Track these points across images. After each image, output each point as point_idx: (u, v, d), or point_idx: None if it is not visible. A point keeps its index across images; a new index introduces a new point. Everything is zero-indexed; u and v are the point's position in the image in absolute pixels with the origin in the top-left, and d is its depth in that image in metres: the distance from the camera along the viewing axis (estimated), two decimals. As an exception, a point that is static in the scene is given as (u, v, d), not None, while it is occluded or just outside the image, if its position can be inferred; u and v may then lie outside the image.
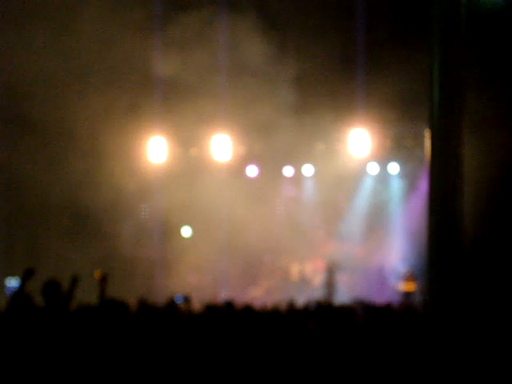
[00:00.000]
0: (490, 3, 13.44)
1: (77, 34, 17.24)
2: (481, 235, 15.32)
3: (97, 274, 7.68)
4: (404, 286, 21.96)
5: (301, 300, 20.60)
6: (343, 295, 22.46)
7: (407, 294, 21.52)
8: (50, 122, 18.19)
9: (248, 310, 10.00)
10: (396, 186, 24.83)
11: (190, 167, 22.51)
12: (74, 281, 7.57)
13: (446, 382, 6.65)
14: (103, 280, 7.65)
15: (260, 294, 24.23)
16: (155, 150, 21.97)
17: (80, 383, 6.63)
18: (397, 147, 22.75)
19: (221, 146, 21.80)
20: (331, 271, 24.14)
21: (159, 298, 13.79)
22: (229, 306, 9.08)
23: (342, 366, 6.69)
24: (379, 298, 17.44)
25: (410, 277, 21.93)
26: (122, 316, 7.50)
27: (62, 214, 19.41)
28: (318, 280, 24.82)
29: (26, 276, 7.45)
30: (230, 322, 8.28)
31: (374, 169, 24.20)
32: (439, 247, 8.45)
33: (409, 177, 23.73)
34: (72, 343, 6.92)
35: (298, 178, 25.78)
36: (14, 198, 20.54)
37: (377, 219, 24.71)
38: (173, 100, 16.33)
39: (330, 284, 23.88)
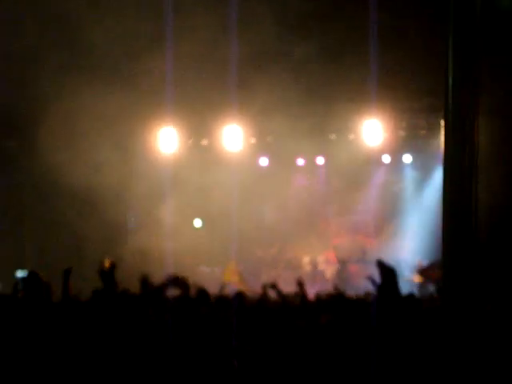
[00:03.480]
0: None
1: (88, 29, 17.18)
2: (496, 225, 15.16)
3: (107, 262, 7.73)
4: (418, 278, 21.76)
5: (312, 291, 20.60)
6: (356, 287, 22.30)
7: (422, 286, 21.33)
8: (59, 114, 18.16)
9: (260, 302, 9.89)
10: (410, 177, 24.62)
11: (200, 157, 22.43)
12: (66, 273, 7.65)
13: (461, 373, 6.56)
14: (112, 268, 7.68)
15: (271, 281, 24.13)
16: (166, 140, 21.87)
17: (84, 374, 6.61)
18: (410, 138, 22.52)
19: (232, 136, 21.66)
20: (344, 263, 23.99)
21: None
22: (239, 297, 8.99)
23: (355, 359, 6.56)
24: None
25: (424, 269, 21.73)
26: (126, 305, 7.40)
27: (72, 203, 19.35)
28: (331, 271, 24.68)
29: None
30: (241, 313, 8.18)
31: (387, 160, 24.01)
32: (454, 237, 8.31)
33: (423, 167, 23.50)
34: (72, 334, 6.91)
35: (310, 168, 25.64)
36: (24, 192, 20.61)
37: (390, 210, 24.53)
38: (183, 91, 16.21)
39: (342, 276, 23.74)
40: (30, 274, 7.62)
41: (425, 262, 21.51)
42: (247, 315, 8.27)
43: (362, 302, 9.57)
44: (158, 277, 8.26)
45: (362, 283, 23.01)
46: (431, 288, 20.90)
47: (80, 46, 17.99)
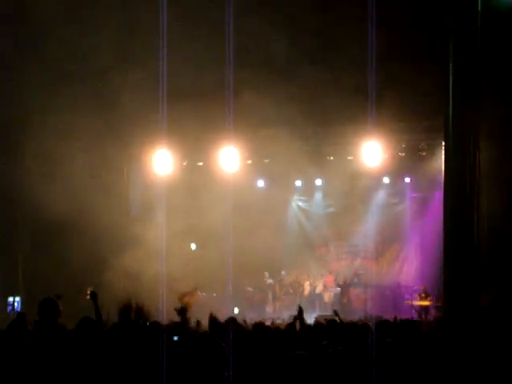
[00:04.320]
0: (506, 3, 13.08)
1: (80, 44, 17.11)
2: (497, 245, 14.96)
3: (87, 291, 7.62)
4: (419, 302, 21.46)
5: (312, 316, 20.35)
6: (356, 312, 22.02)
7: (422, 310, 21.03)
8: (50, 135, 18.01)
9: (259, 328, 9.68)
10: (410, 199, 24.36)
11: (196, 179, 22.25)
12: (93, 295, 7.60)
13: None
14: (93, 297, 7.60)
15: (271, 310, 23.85)
16: (161, 162, 21.70)
17: None
18: (410, 159, 22.27)
19: (228, 157, 21.48)
20: (344, 287, 23.71)
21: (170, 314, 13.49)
22: (233, 321, 8.80)
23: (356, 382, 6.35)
24: (394, 314, 17.00)
25: (424, 293, 21.43)
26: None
27: (63, 230, 19.18)
28: (328, 295, 24.41)
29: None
30: (239, 339, 7.96)
31: (387, 181, 23.80)
32: (456, 257, 8.11)
33: (423, 189, 23.21)
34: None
35: (308, 190, 25.47)
36: (14, 215, 20.42)
37: (390, 233, 24.27)
38: (178, 113, 16.07)
39: (343, 300, 23.45)
40: (47, 300, 7.40)
41: (429, 288, 21.15)
42: (243, 341, 8.10)
43: (360, 326, 9.39)
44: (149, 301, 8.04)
45: (362, 307, 22.84)
46: (431, 312, 20.65)
47: (71, 67, 17.92)
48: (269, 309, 24.29)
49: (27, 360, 6.09)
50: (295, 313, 9.80)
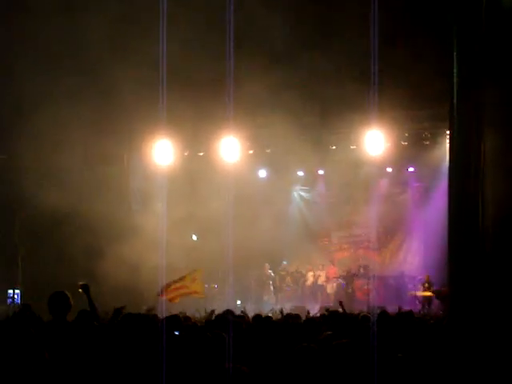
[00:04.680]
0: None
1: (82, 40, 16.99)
2: (502, 232, 14.81)
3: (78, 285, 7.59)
4: (423, 292, 21.31)
5: (315, 307, 20.23)
6: (360, 302, 21.90)
7: (426, 301, 20.90)
8: (51, 130, 17.90)
9: (260, 319, 9.61)
10: (413, 188, 24.17)
11: (197, 169, 22.12)
12: (85, 288, 7.59)
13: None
14: (85, 290, 7.59)
15: (273, 301, 23.74)
16: (162, 152, 21.54)
17: None
18: (414, 148, 22.06)
19: (229, 147, 21.31)
20: (349, 278, 23.54)
21: (169, 306, 13.40)
22: (229, 313, 8.74)
23: (357, 375, 6.24)
24: (397, 304, 16.86)
25: (428, 282, 21.28)
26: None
27: (65, 224, 19.09)
28: (331, 286, 24.26)
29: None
30: (243, 330, 7.91)
31: (389, 171, 23.62)
32: (460, 245, 7.98)
33: (427, 178, 23.00)
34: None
35: (310, 180, 25.32)
36: (13, 207, 20.33)
37: (393, 223, 24.11)
38: (179, 103, 15.93)
39: (347, 291, 23.31)
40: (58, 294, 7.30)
41: (433, 277, 20.97)
42: (246, 331, 8.06)
43: (362, 318, 9.30)
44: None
45: (365, 298, 22.68)
46: (435, 302, 20.52)
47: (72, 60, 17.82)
48: (270, 300, 24.18)
49: (28, 351, 5.97)
50: (297, 304, 9.75)
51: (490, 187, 10.20)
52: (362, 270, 23.65)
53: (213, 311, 10.62)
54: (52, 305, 7.15)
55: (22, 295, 20.05)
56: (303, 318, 10.44)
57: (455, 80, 9.22)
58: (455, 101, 9.14)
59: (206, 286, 20.87)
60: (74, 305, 7.32)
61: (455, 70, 9.24)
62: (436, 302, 20.46)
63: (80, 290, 7.54)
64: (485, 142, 9.51)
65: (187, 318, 9.53)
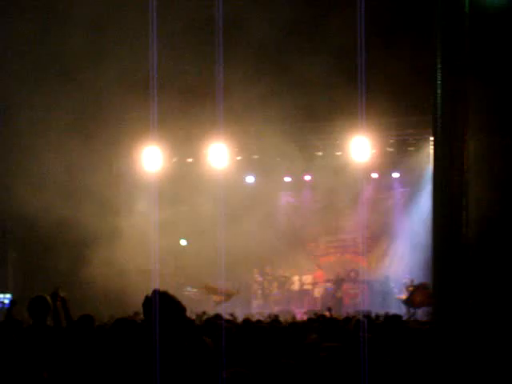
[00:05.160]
0: (494, 4, 13.13)
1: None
2: (485, 237, 15.04)
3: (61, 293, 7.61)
4: (407, 297, 21.47)
5: (301, 310, 20.40)
6: (346, 307, 22.09)
7: (410, 304, 21.05)
8: (38, 135, 17.97)
9: (247, 323, 9.70)
10: (399, 194, 24.45)
11: (185, 175, 22.20)
12: (54, 295, 7.51)
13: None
14: (62, 301, 7.54)
15: (259, 306, 23.87)
16: (150, 159, 21.65)
17: None
18: (399, 154, 22.35)
19: (218, 154, 21.48)
20: (339, 282, 23.71)
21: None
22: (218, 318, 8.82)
23: (345, 380, 6.35)
24: (383, 309, 17.05)
25: (412, 286, 21.46)
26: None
27: (52, 229, 19.12)
28: (318, 291, 24.45)
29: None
30: (230, 335, 7.97)
31: (375, 177, 23.84)
32: (444, 250, 8.16)
33: (412, 184, 23.29)
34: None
35: (297, 186, 25.46)
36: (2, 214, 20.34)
37: (379, 228, 24.32)
38: (168, 109, 16.04)
39: (337, 295, 23.48)
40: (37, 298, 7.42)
41: (416, 281, 21.19)
42: (236, 335, 8.12)
43: (350, 321, 9.41)
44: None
45: (352, 302, 22.85)
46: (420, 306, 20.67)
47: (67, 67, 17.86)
48: (257, 304, 24.33)
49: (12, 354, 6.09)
50: (284, 308, 9.82)
51: (473, 194, 10.43)
52: (352, 274, 23.86)
53: (204, 313, 10.72)
54: (32, 309, 7.35)
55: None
56: (289, 321, 10.56)
57: (439, 88, 9.44)
58: (439, 108, 9.36)
59: (196, 290, 21.10)
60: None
61: (439, 78, 9.47)
62: (420, 304, 20.62)
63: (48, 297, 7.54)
64: (468, 149, 9.70)
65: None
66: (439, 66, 8.92)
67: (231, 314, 11.98)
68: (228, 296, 20.65)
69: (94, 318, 7.98)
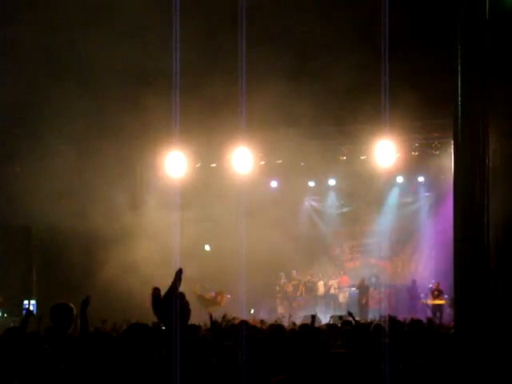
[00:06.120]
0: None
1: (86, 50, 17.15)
2: (508, 242, 14.94)
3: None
4: (433, 301, 21.36)
5: (327, 316, 20.34)
6: (372, 312, 22.00)
7: (437, 309, 20.95)
8: (62, 141, 18.10)
9: (273, 330, 9.69)
10: (424, 198, 24.28)
11: (209, 181, 22.22)
12: (85, 303, 7.49)
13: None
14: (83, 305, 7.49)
15: (286, 311, 23.85)
16: (174, 164, 21.73)
17: None
18: (424, 158, 22.19)
19: (241, 158, 21.49)
20: (363, 288, 23.60)
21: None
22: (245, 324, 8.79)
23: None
24: (410, 313, 16.95)
25: (437, 290, 21.34)
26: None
27: (75, 235, 19.23)
28: (343, 296, 24.38)
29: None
30: (253, 341, 7.96)
31: (400, 181, 23.72)
32: (466, 255, 8.10)
33: (437, 188, 23.10)
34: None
35: (321, 191, 25.39)
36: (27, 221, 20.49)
37: (405, 232, 24.21)
38: (191, 115, 16.09)
39: (362, 301, 23.38)
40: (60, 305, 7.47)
41: (443, 285, 21.03)
42: (257, 343, 8.09)
43: (374, 328, 9.36)
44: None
45: (377, 307, 22.70)
46: (446, 311, 20.55)
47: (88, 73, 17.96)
48: (283, 309, 24.32)
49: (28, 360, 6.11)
50: (310, 313, 9.80)
51: (496, 197, 10.35)
52: (373, 280, 23.77)
53: (225, 316, 10.59)
54: (54, 315, 7.37)
55: (38, 305, 20.20)
56: (313, 326, 10.54)
57: (459, 91, 9.34)
58: (459, 111, 9.24)
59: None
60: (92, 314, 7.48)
61: (459, 81, 9.36)
62: (448, 310, 20.51)
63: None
64: (489, 152, 9.62)
65: (195, 328, 9.43)
66: (459, 69, 8.79)
67: (260, 321, 11.95)
68: (218, 303, 20.86)
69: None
